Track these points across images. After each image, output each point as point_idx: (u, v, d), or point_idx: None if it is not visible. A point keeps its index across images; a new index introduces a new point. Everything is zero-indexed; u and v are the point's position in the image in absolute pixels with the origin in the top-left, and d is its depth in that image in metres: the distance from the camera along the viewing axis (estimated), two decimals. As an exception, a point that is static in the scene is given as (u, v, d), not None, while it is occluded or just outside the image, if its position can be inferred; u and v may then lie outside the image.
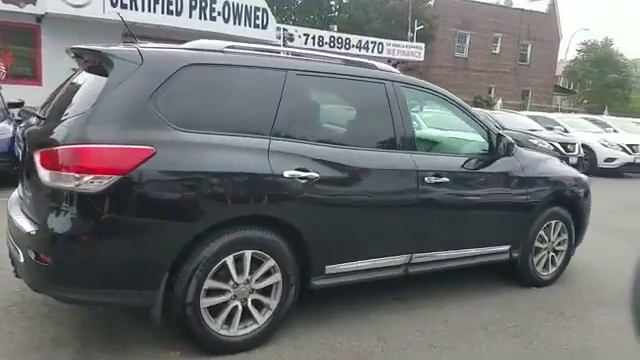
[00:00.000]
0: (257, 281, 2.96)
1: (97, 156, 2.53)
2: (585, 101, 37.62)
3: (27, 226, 2.70)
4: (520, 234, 4.21)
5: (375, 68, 3.61)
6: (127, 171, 2.53)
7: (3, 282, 3.60)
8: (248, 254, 2.89)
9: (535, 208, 4.22)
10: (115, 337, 3.06)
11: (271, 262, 2.97)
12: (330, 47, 18.46)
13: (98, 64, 2.84)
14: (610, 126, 15.58)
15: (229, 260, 2.84)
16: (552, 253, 4.50)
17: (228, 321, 2.91)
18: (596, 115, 19.65)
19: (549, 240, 4.44)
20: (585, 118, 16.64)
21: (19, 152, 3.99)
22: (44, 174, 2.59)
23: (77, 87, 3.02)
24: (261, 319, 3.00)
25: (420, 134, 3.70)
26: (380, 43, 20.88)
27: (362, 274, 3.37)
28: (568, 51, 43.73)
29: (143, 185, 2.59)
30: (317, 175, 3.02)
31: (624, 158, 13.11)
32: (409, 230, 3.53)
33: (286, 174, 2.93)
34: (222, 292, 2.87)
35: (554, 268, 4.55)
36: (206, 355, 2.86)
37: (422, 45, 23.42)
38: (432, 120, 5.07)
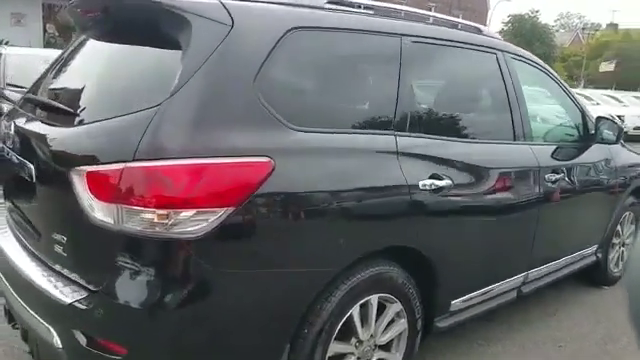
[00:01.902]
0: (382, 334, 2.15)
1: (198, 178, 1.55)
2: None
3: (62, 291, 1.68)
4: (604, 231, 3.65)
5: (481, 33, 2.80)
6: (244, 198, 1.59)
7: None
8: (374, 300, 2.07)
9: (619, 201, 3.69)
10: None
11: (397, 306, 2.16)
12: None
13: (151, 25, 1.80)
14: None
15: (355, 312, 2.00)
16: (622, 247, 4.02)
17: (350, 393, 2.08)
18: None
19: (622, 234, 3.95)
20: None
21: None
22: (97, 208, 1.57)
23: (112, 63, 2.00)
24: (383, 382, 2.20)
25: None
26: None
27: (483, 305, 2.64)
28: (490, 22, 44.52)
29: (262, 218, 1.67)
30: (451, 183, 2.22)
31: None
32: (528, 241, 2.83)
33: (421, 185, 2.10)
34: (343, 357, 2.03)
35: (621, 263, 4.08)
36: None
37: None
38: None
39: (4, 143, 2.17)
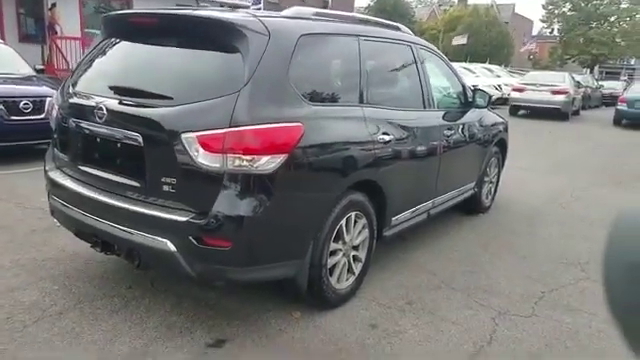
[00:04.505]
0: (355, 238, 3.25)
1: (268, 136, 2.51)
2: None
3: (174, 215, 2.55)
4: (478, 171, 5.09)
5: (399, 30, 3.95)
6: (291, 149, 2.58)
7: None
8: (352, 215, 3.16)
9: (488, 150, 5.14)
10: (239, 305, 3.09)
11: (363, 221, 3.28)
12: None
13: (217, 35, 2.69)
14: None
15: (344, 223, 3.08)
16: (490, 185, 5.53)
17: (339, 276, 3.17)
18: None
19: (490, 174, 5.44)
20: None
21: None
22: (209, 158, 2.45)
23: (185, 62, 2.82)
24: (356, 270, 3.32)
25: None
26: (219, -15, 19.81)
27: (408, 222, 3.85)
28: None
29: (300, 161, 2.67)
30: (393, 137, 3.35)
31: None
32: (434, 177, 4.08)
33: (378, 138, 3.21)
34: (335, 252, 3.10)
35: (490, 196, 5.61)
36: (320, 312, 3.11)
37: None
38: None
39: (82, 119, 2.88)
